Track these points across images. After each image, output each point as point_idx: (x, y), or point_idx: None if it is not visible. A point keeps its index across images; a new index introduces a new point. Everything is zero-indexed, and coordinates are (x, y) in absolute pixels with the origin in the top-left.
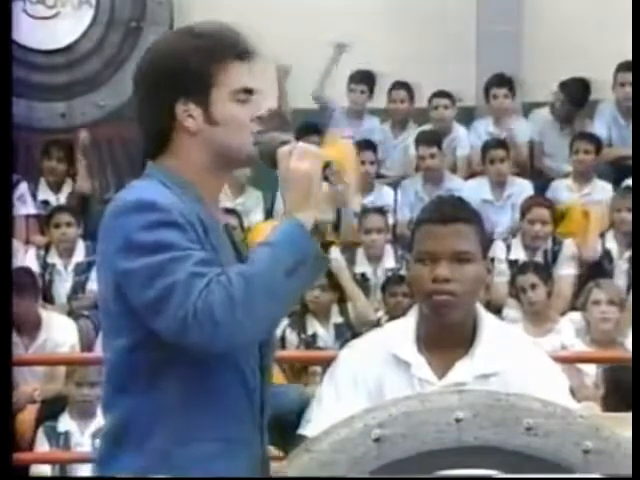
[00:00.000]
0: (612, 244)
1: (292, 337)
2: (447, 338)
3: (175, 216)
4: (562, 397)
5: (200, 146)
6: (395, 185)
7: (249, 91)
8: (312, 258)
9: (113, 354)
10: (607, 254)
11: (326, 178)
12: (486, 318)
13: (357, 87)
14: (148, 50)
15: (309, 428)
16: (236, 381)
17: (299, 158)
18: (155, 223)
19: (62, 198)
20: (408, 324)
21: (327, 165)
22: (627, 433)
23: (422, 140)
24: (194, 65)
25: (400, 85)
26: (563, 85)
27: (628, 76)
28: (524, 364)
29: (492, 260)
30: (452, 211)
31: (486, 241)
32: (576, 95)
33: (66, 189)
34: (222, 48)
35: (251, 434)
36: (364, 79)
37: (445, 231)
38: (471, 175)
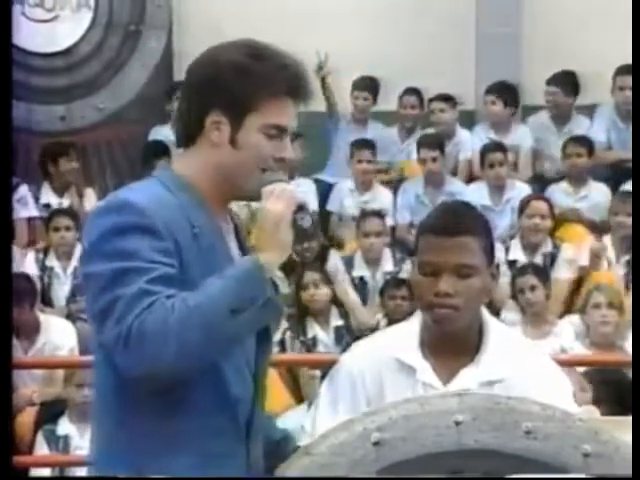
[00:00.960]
0: (609, 253)
1: (291, 340)
2: (452, 344)
3: (150, 220)
4: (566, 405)
5: (214, 161)
6: (395, 187)
7: (282, 129)
8: (263, 302)
9: (98, 354)
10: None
11: (295, 221)
12: (492, 324)
13: (361, 94)
14: (209, 50)
15: (306, 438)
16: (216, 394)
17: (276, 199)
18: (125, 226)
19: (65, 202)
20: (412, 328)
21: (299, 208)
22: (626, 437)
23: (424, 143)
24: (242, 85)
25: (411, 91)
26: (552, 80)
27: (627, 80)
28: (529, 371)
29: (497, 266)
30: (456, 223)
31: (491, 249)
32: (568, 84)
33: (71, 192)
34: (277, 81)
35: (232, 448)
36: (368, 86)
37: (448, 244)
38: (472, 179)
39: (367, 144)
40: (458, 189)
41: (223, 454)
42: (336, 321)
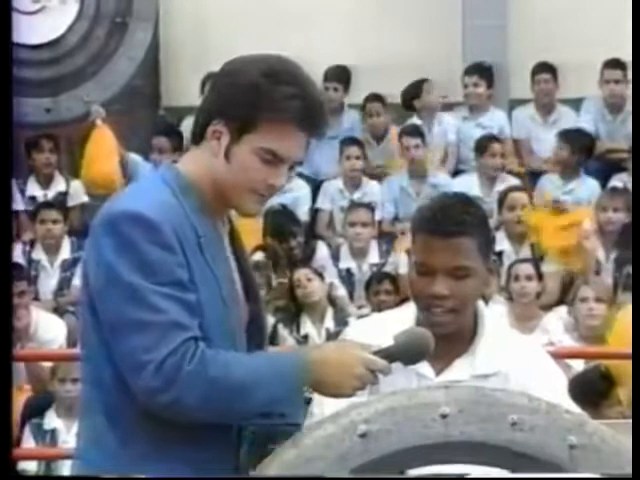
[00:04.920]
0: (597, 249)
1: (284, 334)
2: (446, 334)
3: (163, 233)
4: (561, 398)
5: (211, 169)
6: (380, 180)
7: (278, 156)
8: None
9: (88, 349)
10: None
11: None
12: (486, 313)
13: (331, 85)
14: (240, 57)
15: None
16: None
17: (368, 364)
18: (142, 240)
19: (50, 194)
20: (406, 316)
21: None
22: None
23: (406, 132)
24: (247, 103)
25: (374, 97)
26: (541, 68)
27: (614, 73)
28: (524, 364)
29: (495, 260)
30: (452, 223)
31: (488, 244)
32: (553, 73)
33: (55, 184)
34: (284, 108)
35: (223, 455)
36: (338, 76)
37: (443, 245)
38: (457, 172)
39: (354, 141)
40: (444, 181)
41: (213, 461)
42: (329, 322)
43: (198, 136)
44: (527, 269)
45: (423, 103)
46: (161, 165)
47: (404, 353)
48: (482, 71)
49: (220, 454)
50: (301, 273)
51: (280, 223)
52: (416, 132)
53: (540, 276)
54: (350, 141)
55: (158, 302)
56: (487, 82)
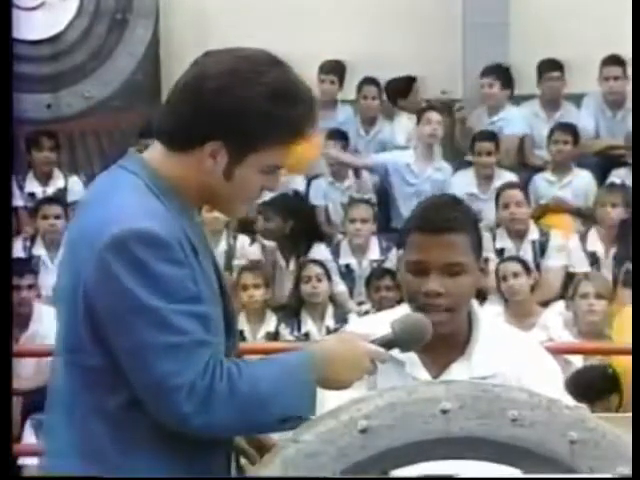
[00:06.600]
0: (596, 244)
1: (285, 332)
2: (441, 337)
3: (173, 249)
4: (558, 393)
5: (203, 181)
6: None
7: (279, 167)
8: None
9: (68, 339)
10: (592, 256)
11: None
12: (480, 313)
13: (327, 77)
14: (233, 68)
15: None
16: None
17: (373, 356)
18: (166, 258)
19: (49, 190)
20: None
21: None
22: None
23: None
24: (258, 129)
25: (370, 81)
26: (547, 65)
27: (613, 70)
28: (521, 364)
29: (486, 260)
30: (443, 219)
31: (480, 244)
32: (560, 70)
33: (54, 181)
34: (297, 129)
35: (214, 465)
36: (333, 69)
37: (435, 242)
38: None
39: (340, 134)
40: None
41: (203, 472)
42: (330, 320)
43: (180, 146)
44: (513, 267)
45: (409, 102)
46: (129, 159)
47: (402, 340)
48: (497, 72)
49: (216, 469)
50: (313, 271)
51: (299, 204)
52: (340, 135)
53: (528, 270)
54: (336, 134)
55: (181, 322)
56: (502, 82)
